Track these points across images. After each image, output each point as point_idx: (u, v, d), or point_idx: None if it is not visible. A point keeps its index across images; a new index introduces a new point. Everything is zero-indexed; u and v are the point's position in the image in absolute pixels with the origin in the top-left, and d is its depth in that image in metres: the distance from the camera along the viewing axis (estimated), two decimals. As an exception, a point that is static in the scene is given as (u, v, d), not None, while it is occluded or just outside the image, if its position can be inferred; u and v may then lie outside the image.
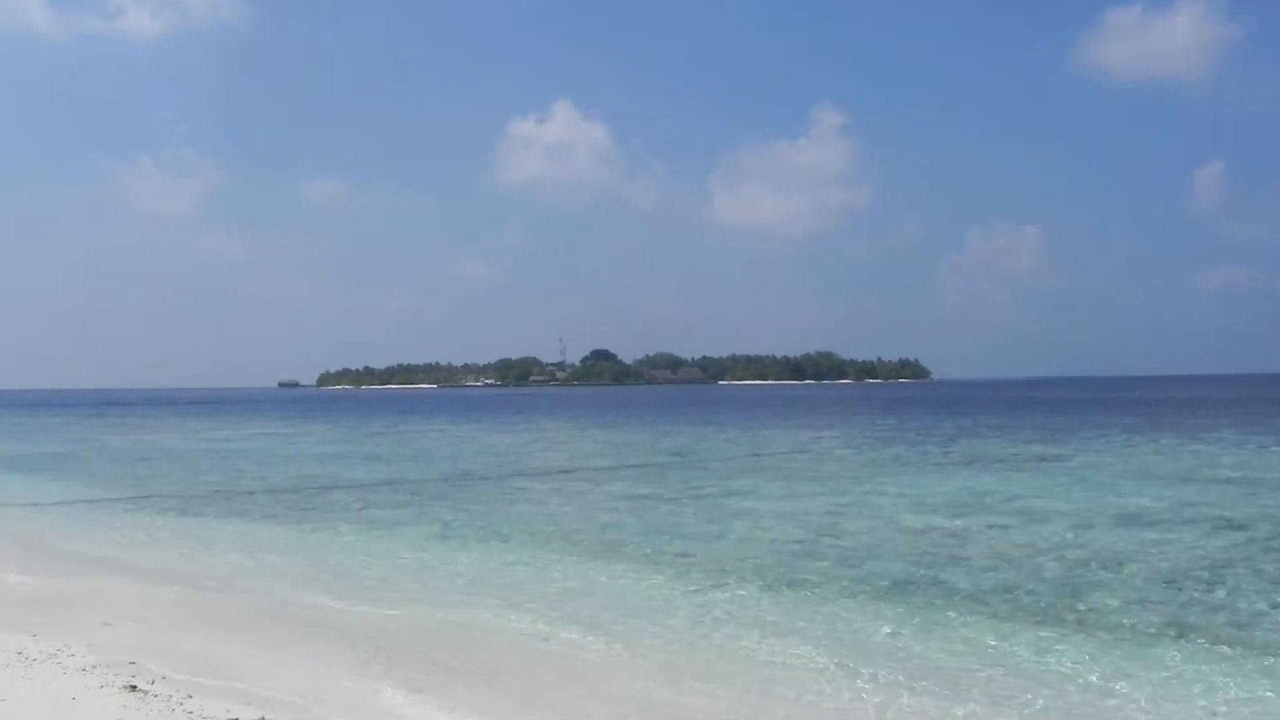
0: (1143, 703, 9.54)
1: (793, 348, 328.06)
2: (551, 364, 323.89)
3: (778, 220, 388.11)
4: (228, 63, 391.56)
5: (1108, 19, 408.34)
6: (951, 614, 13.13)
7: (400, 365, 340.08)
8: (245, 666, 10.55)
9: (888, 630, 12.40)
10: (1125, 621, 12.51)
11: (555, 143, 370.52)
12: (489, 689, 10.10)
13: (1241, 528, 19.21)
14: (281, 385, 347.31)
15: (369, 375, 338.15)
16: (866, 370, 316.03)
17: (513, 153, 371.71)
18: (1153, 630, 12.08)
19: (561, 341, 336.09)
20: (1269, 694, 9.73)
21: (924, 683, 10.25)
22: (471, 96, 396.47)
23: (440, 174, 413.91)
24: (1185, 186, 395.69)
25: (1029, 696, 9.79)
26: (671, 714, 9.41)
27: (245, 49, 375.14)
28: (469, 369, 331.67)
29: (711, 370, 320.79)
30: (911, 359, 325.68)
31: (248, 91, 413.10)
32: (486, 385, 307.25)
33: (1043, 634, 12.03)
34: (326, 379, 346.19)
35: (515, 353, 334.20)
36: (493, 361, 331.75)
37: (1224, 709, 9.35)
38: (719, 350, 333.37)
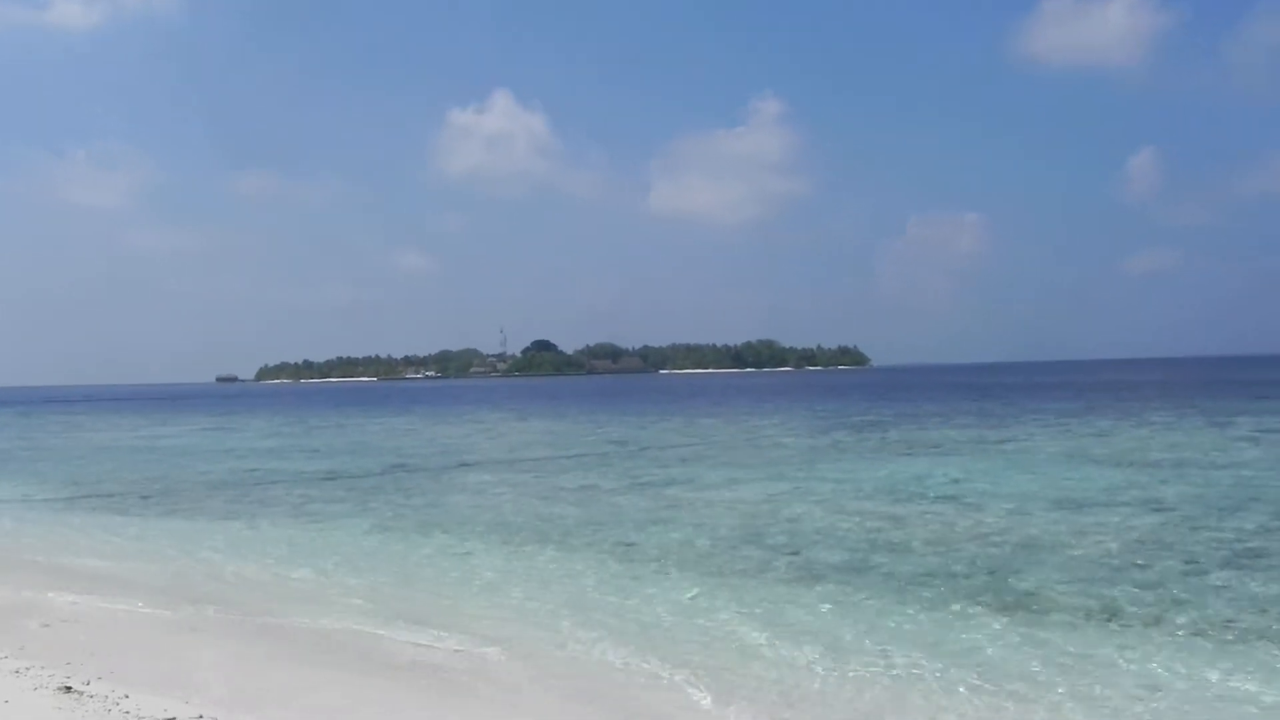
0: (1077, 684, 9.70)
1: (733, 336, 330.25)
2: (492, 355, 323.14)
3: (718, 209, 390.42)
4: (161, 55, 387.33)
5: (1043, 7, 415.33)
6: (892, 598, 13.28)
7: (340, 358, 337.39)
8: (184, 666, 10.43)
9: (829, 615, 12.51)
10: (1061, 603, 12.71)
11: (494, 133, 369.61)
12: (435, 684, 10.08)
13: (1172, 508, 19.58)
14: (219, 380, 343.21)
15: (308, 369, 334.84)
16: (807, 358, 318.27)
17: (452, 143, 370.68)
18: (1087, 612, 12.27)
19: (502, 332, 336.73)
20: (1197, 673, 9.92)
21: (870, 669, 10.36)
22: (410, 86, 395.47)
23: (378, 165, 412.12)
24: (1119, 173, 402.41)
25: (967, 678, 9.92)
26: (615, 700, 9.44)
27: (179, 41, 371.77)
28: (409, 361, 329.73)
29: (652, 359, 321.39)
30: (851, 346, 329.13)
31: (182, 83, 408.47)
32: (427, 377, 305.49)
33: (981, 617, 12.20)
34: (265, 373, 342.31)
35: (456, 344, 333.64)
36: (433, 353, 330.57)
37: (1154, 688, 9.53)
38: (660, 339, 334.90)
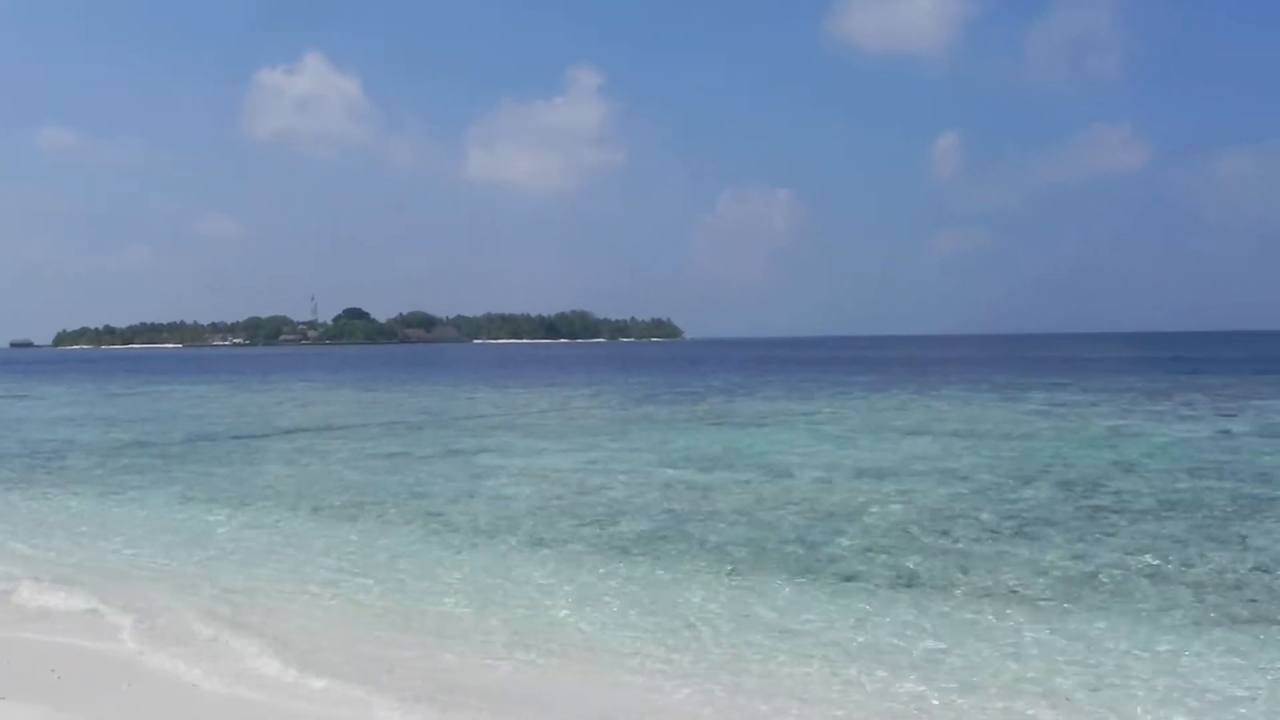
0: (876, 648, 9.96)
1: (547, 307, 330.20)
2: (303, 323, 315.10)
3: (534, 179, 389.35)
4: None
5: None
6: (700, 565, 13.43)
7: (143, 324, 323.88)
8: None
9: (638, 585, 12.56)
10: (861, 570, 13.05)
11: (306, 95, 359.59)
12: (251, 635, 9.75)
13: (965, 478, 20.36)
14: (14, 345, 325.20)
15: (110, 335, 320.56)
16: (620, 329, 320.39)
17: (261, 104, 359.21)
18: (886, 578, 12.64)
19: (313, 300, 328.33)
20: (987, 634, 10.31)
21: (676, 637, 10.43)
22: (217, 44, 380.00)
23: (183, 124, 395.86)
24: (925, 155, 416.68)
25: (771, 645, 10.07)
26: (411, 668, 9.28)
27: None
28: (216, 328, 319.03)
29: (466, 329, 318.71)
30: (664, 318, 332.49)
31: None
32: (235, 345, 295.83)
33: (785, 584, 12.41)
34: (63, 338, 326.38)
35: (265, 311, 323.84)
36: (241, 320, 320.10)
37: (948, 650, 9.85)
38: (474, 309, 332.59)
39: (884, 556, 13.75)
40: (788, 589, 12.21)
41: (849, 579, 12.65)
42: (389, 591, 12.41)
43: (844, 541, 14.70)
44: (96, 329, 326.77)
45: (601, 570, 13.31)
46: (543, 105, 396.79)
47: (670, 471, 22.18)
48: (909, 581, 12.47)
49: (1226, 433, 27.73)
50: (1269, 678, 8.99)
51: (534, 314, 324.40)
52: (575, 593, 12.22)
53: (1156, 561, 13.17)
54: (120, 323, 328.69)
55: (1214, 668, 9.23)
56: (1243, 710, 8.32)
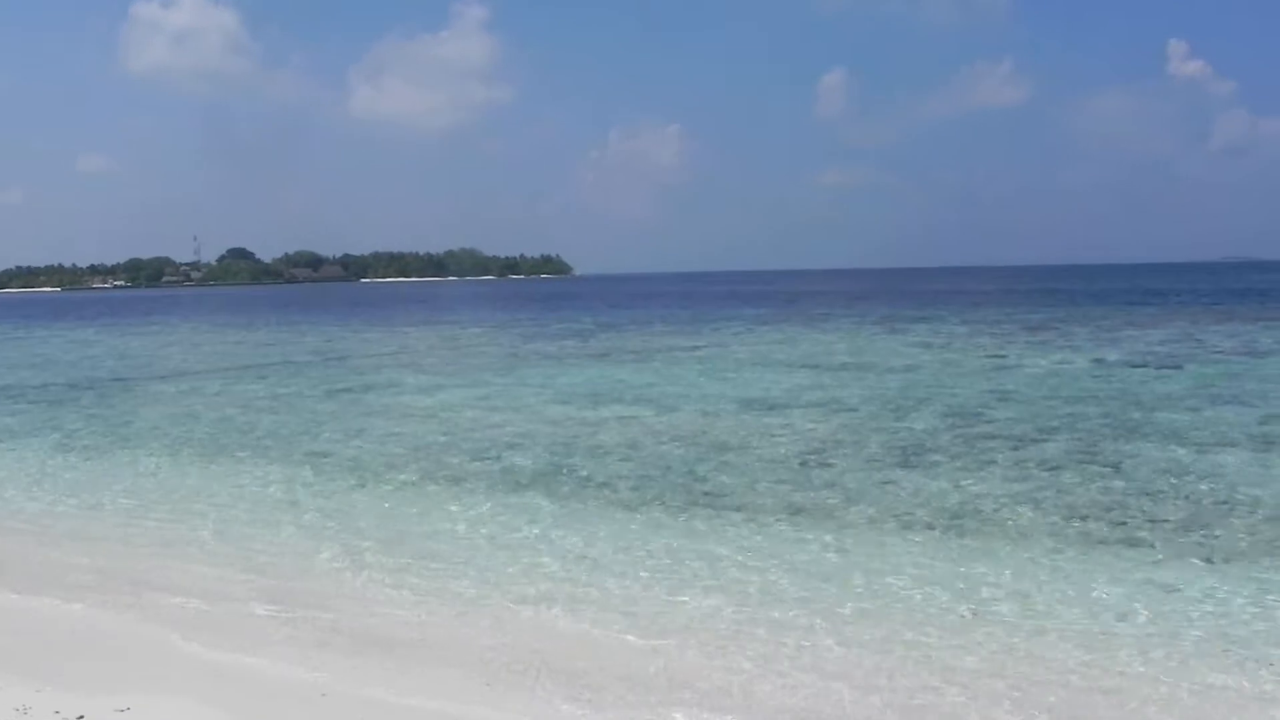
0: (764, 578, 10.05)
1: (435, 244, 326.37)
2: (186, 264, 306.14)
3: (420, 115, 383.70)
4: None
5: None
6: (588, 502, 13.43)
7: (19, 267, 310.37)
8: None
9: (527, 520, 12.50)
10: (747, 501, 13.15)
11: (182, 28, 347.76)
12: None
13: (851, 409, 20.61)
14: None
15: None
16: (509, 266, 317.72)
17: (137, 38, 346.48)
18: (773, 508, 12.75)
19: (196, 240, 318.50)
20: (871, 563, 10.46)
21: (572, 569, 10.47)
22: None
23: (57, 59, 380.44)
24: (814, 92, 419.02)
25: (661, 578, 10.12)
26: (295, 604, 9.14)
27: None
28: (96, 270, 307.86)
29: (353, 268, 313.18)
30: (554, 255, 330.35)
31: None
32: (116, 287, 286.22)
33: (672, 517, 12.48)
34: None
35: (146, 252, 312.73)
36: (122, 262, 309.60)
37: (831, 577, 9.99)
38: (361, 247, 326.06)
39: (771, 487, 13.88)
40: (676, 521, 12.26)
41: (736, 510, 12.73)
42: (270, 531, 12.20)
43: (731, 474, 14.80)
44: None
45: (488, 505, 13.23)
46: (428, 39, 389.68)
47: (559, 407, 22.13)
48: (796, 511, 12.59)
49: (1101, 362, 28.48)
50: (1148, 594, 9.25)
51: (422, 252, 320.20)
52: (465, 530, 12.14)
53: (1035, 487, 13.50)
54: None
55: (1095, 587, 9.47)
56: (1124, 625, 8.56)
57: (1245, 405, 19.78)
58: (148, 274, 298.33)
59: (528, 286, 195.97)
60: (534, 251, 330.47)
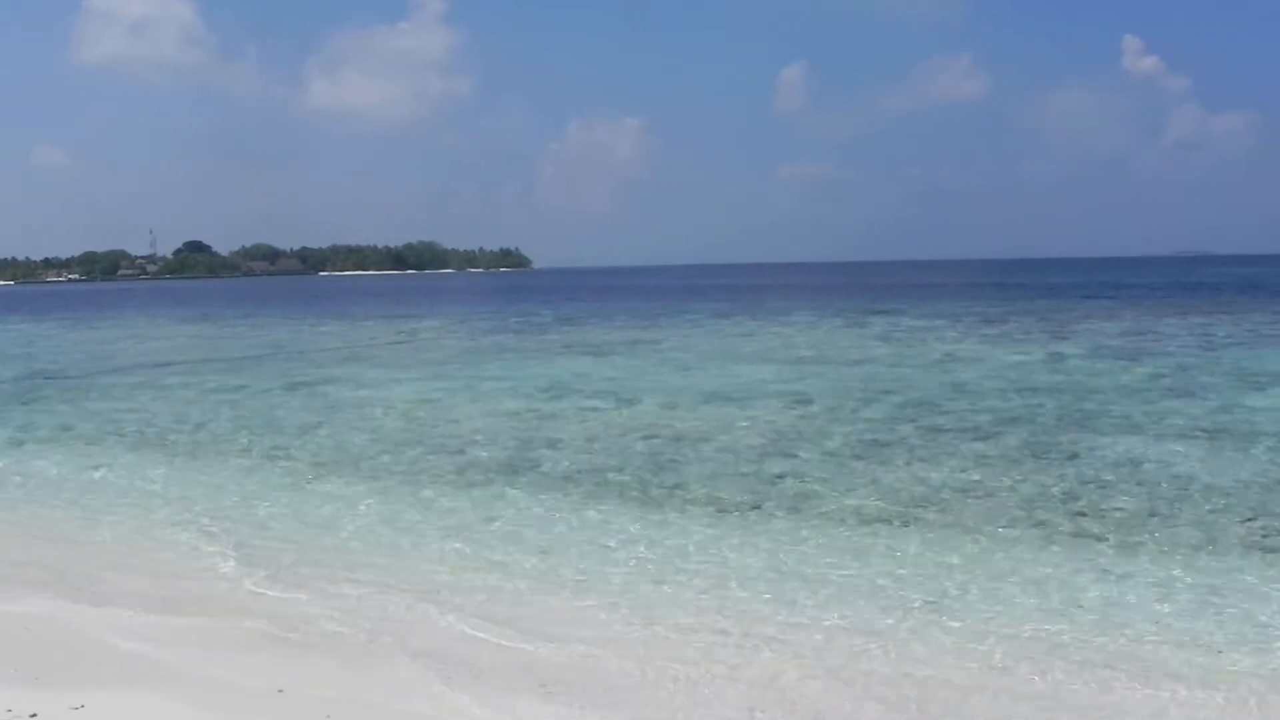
0: (721, 570, 10.06)
1: (394, 237, 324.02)
2: (141, 257, 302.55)
3: (377, 107, 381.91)
4: None
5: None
6: (551, 494, 13.39)
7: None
8: None
9: (486, 514, 12.46)
10: (706, 495, 13.15)
11: (137, 19, 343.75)
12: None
13: (810, 402, 20.66)
14: None
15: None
16: (468, 259, 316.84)
17: (92, 29, 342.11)
18: (733, 501, 12.77)
19: (152, 233, 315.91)
20: (829, 557, 10.49)
21: (529, 561, 10.46)
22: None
23: (10, 50, 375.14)
24: (774, 86, 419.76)
25: (620, 571, 10.13)
26: (250, 601, 9.06)
27: None
28: (50, 264, 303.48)
29: (311, 261, 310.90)
30: (513, 248, 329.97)
31: None
32: (71, 280, 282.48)
33: (632, 510, 12.47)
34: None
35: (101, 245, 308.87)
36: (77, 255, 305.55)
37: (793, 568, 10.01)
38: (319, 240, 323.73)
39: (731, 480, 13.89)
40: (635, 515, 12.24)
41: (695, 503, 12.74)
42: (225, 526, 12.09)
43: (691, 467, 14.79)
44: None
45: (448, 501, 13.18)
46: (386, 30, 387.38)
47: (519, 401, 22.04)
48: (756, 504, 12.61)
49: (1057, 355, 28.69)
50: (1102, 584, 9.34)
51: (380, 245, 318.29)
52: (423, 524, 12.08)
53: (992, 478, 13.59)
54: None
55: (1050, 577, 9.56)
56: (1075, 613, 8.63)
57: (1197, 397, 20.01)
58: (103, 267, 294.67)
59: (487, 280, 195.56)
60: (493, 244, 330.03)
